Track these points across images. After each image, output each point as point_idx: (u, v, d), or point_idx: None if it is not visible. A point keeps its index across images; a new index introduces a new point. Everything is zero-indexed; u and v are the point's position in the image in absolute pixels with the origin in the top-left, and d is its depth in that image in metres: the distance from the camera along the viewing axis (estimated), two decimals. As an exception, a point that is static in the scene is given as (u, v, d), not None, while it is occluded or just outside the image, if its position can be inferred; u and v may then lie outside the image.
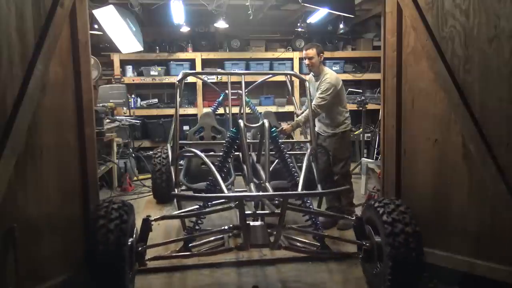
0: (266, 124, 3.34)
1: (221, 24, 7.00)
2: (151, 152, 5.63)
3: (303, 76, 4.74)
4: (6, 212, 2.42)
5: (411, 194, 3.36)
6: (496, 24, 2.64)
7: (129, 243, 2.73)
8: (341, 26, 7.77)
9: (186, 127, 7.57)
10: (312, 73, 4.60)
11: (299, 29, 7.73)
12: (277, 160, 3.82)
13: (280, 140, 3.58)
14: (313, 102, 4.26)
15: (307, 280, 3.33)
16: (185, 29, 7.52)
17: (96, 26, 6.33)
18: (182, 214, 3.46)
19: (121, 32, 6.49)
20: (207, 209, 3.38)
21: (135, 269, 2.95)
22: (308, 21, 7.62)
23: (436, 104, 3.07)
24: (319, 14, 7.08)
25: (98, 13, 6.07)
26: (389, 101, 3.49)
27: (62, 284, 2.84)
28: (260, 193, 3.08)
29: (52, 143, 2.84)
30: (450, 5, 2.89)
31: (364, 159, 5.91)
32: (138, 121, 7.08)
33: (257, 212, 3.06)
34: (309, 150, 3.78)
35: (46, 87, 2.76)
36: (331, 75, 4.36)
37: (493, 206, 2.76)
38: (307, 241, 3.38)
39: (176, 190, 3.90)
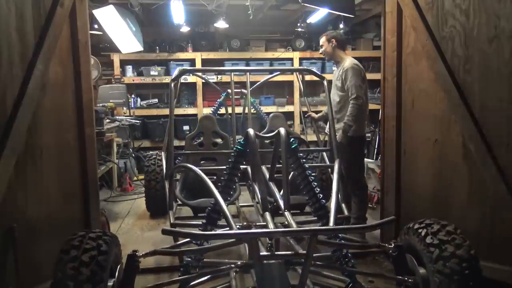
0: (283, 133, 2.66)
1: (221, 24, 7.00)
2: (151, 152, 5.42)
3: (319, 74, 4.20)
4: (6, 212, 2.42)
5: (411, 194, 3.36)
6: (496, 24, 2.64)
7: (110, 284, 2.17)
8: (341, 26, 7.77)
9: (186, 127, 7.58)
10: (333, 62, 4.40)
11: (299, 29, 7.73)
12: (292, 173, 3.12)
13: (301, 155, 2.86)
14: (351, 96, 3.87)
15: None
16: (185, 29, 7.52)
17: (96, 26, 6.33)
18: (178, 250, 2.79)
19: (121, 32, 6.49)
20: (209, 245, 2.64)
21: None
22: (308, 21, 7.62)
23: (436, 104, 3.07)
24: (319, 14, 7.07)
25: (98, 13, 6.07)
26: (389, 101, 3.49)
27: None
28: (282, 230, 2.50)
29: (52, 143, 2.84)
30: (450, 5, 2.89)
31: (364, 159, 5.90)
32: (138, 121, 7.08)
33: (276, 253, 2.37)
34: (337, 165, 3.16)
35: (46, 87, 2.76)
36: (347, 61, 4.07)
37: (493, 206, 2.75)
38: (333, 275, 2.78)
39: (170, 212, 3.48)
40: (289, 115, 8.17)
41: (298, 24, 7.67)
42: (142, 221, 4.85)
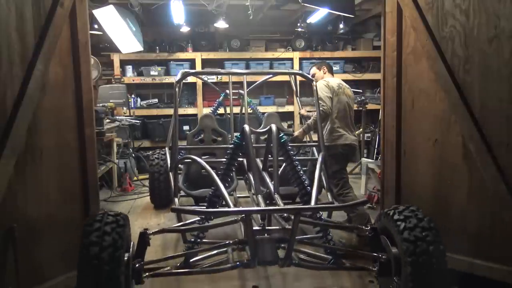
0: (274, 129, 3.11)
1: (221, 24, 7.00)
2: (151, 152, 5.56)
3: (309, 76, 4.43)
4: (6, 212, 2.42)
5: (411, 194, 3.36)
6: (496, 24, 2.64)
7: (125, 258, 2.47)
8: (341, 26, 7.77)
9: (186, 127, 7.59)
10: None
11: (299, 29, 7.74)
12: (284, 164, 3.53)
13: (289, 148, 3.31)
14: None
15: (307, 280, 3.33)
16: (185, 29, 7.52)
17: (96, 26, 6.33)
18: (183, 228, 3.20)
19: (121, 32, 6.49)
20: (210, 223, 3.07)
21: (133, 286, 2.65)
22: (308, 21, 7.63)
23: (436, 104, 3.07)
24: (319, 14, 7.08)
25: (98, 13, 6.08)
26: (389, 101, 3.49)
27: (62, 284, 2.84)
28: (270, 208, 2.89)
29: (52, 143, 2.84)
30: (450, 5, 2.89)
31: (364, 159, 5.91)
32: (138, 121, 7.08)
33: (267, 228, 2.74)
34: (320, 157, 3.47)
35: (46, 87, 2.76)
36: (318, 83, 4.29)
37: (493, 206, 2.75)
38: (317, 253, 3.07)
39: (175, 199, 3.74)
40: (289, 115, 8.18)
41: (298, 24, 7.68)
42: (142, 221, 4.84)
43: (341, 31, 7.94)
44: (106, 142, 5.67)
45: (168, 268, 2.94)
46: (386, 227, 2.70)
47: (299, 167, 3.18)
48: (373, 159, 5.95)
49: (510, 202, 2.63)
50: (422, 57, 3.14)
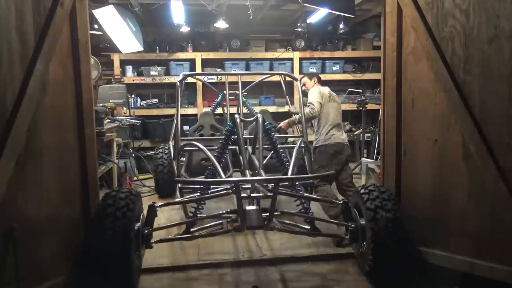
0: (260, 118, 3.69)
1: (221, 24, 7.00)
2: (151, 152, 5.70)
3: (295, 76, 4.91)
4: (6, 212, 2.42)
5: (411, 194, 3.36)
6: (496, 24, 2.64)
7: (136, 227, 2.96)
8: (341, 26, 7.77)
9: (186, 127, 7.59)
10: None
11: (299, 29, 7.74)
12: (271, 153, 4.15)
13: (273, 134, 3.92)
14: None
15: (307, 279, 3.34)
16: (185, 29, 7.52)
17: (96, 26, 6.33)
18: (185, 200, 3.75)
19: (121, 32, 6.49)
20: (207, 195, 3.61)
21: (143, 250, 3.19)
22: (308, 21, 7.63)
23: (436, 104, 3.07)
24: (319, 14, 7.08)
25: (98, 13, 6.07)
26: (389, 101, 3.49)
27: (62, 284, 2.84)
28: (255, 178, 3.40)
29: (52, 143, 2.84)
30: (450, 5, 2.89)
31: (364, 159, 5.91)
32: (138, 121, 7.07)
33: (252, 195, 3.22)
34: (299, 142, 3.94)
35: (46, 87, 2.76)
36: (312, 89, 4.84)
37: (493, 206, 2.75)
38: (299, 224, 3.57)
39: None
40: (289, 115, 8.16)
41: (298, 24, 7.68)
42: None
43: (341, 31, 7.94)
44: (106, 142, 5.66)
45: (172, 235, 3.45)
46: (357, 202, 3.25)
47: (281, 150, 3.92)
48: (373, 159, 5.95)
49: (510, 202, 2.63)
50: (422, 57, 3.14)
